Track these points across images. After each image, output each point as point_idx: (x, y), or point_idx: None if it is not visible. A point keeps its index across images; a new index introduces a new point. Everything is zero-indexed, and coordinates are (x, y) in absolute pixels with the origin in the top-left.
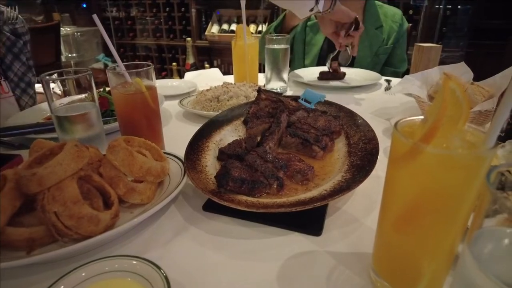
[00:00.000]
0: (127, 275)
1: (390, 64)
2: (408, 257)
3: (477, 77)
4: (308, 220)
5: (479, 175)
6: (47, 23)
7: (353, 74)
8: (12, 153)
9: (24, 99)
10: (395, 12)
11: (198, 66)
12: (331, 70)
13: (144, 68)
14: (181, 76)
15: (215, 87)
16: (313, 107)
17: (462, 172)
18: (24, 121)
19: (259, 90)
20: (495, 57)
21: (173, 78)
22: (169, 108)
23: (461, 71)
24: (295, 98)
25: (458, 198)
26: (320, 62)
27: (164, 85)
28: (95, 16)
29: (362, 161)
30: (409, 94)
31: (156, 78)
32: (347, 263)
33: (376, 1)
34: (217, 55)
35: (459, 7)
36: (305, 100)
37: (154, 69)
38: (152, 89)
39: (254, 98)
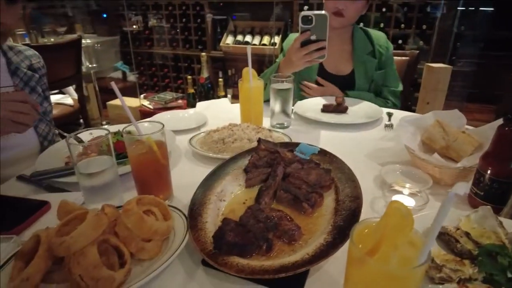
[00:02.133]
0: None
1: (386, 86)
2: None
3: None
4: (292, 280)
5: (414, 282)
6: (70, 39)
7: (356, 107)
8: (40, 200)
9: (41, 127)
10: (379, 36)
11: (211, 79)
12: (335, 103)
13: (157, 132)
14: (195, 84)
15: (222, 127)
16: (308, 157)
17: (399, 280)
18: (49, 159)
19: (259, 141)
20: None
21: (188, 89)
22: (179, 144)
23: (454, 117)
24: (291, 150)
25: None
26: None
27: (176, 117)
28: (113, 84)
29: (344, 222)
30: None
31: (172, 86)
32: None
33: (360, 27)
34: (231, 65)
35: (474, 19)
36: (300, 152)
37: (170, 77)
38: (162, 146)
39: (256, 141)
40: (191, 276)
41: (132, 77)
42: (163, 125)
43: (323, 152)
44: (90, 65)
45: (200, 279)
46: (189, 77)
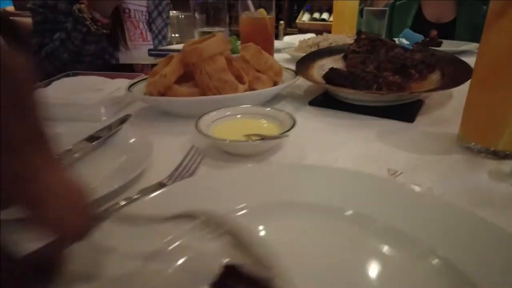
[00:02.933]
0: (263, 118)
1: None
2: (494, 112)
3: None
4: (404, 110)
5: None
6: None
7: (450, 45)
8: None
9: (158, 46)
10: None
11: None
12: (427, 39)
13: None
14: None
15: (315, 36)
16: (411, 47)
17: None
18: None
19: (359, 31)
20: None
21: None
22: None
23: None
24: (393, 39)
25: None
26: None
27: None
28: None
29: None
30: None
31: None
32: (436, 135)
33: None
34: None
35: None
36: (404, 39)
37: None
38: (270, 19)
39: None
40: (297, 111)
41: None
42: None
43: (427, 48)
44: (173, 35)
45: (305, 113)
46: None
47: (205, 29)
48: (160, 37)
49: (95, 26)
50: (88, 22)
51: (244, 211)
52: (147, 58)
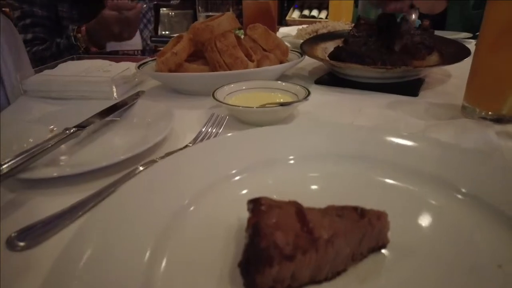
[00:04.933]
0: (277, 91)
1: None
2: (498, 79)
3: None
4: (407, 86)
5: None
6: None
7: (441, 34)
8: None
9: (145, 32)
10: None
11: None
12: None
13: None
14: None
15: (314, 23)
16: None
17: None
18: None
19: (359, 17)
20: None
21: None
22: None
23: None
24: None
25: None
26: None
27: None
28: None
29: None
30: None
31: None
32: (441, 105)
33: None
34: None
35: None
36: None
37: None
38: (274, 1)
39: None
40: None
41: None
42: None
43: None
44: (163, 32)
45: (313, 90)
46: None
47: (210, 13)
48: (145, 20)
49: (87, 55)
50: (81, 51)
51: (292, 161)
52: (134, 44)
